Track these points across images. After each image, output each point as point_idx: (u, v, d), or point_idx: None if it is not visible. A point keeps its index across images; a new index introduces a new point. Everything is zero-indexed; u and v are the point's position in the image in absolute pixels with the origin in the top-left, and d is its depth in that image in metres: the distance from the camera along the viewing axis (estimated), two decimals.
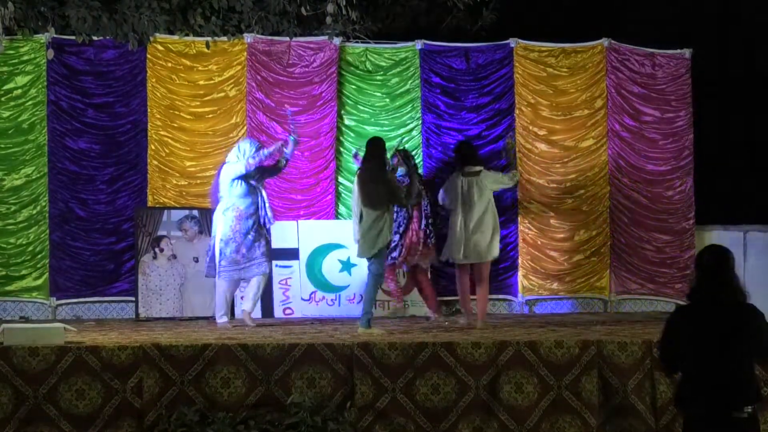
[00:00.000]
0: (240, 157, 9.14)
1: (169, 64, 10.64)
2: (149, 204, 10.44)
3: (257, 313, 9.87)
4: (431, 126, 11.06)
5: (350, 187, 10.50)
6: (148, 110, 10.55)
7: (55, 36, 10.26)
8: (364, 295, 8.77)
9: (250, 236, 9.04)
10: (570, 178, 11.22)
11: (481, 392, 7.19)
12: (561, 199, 11.21)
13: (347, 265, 10.34)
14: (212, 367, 7.04)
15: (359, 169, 9.04)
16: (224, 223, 9.06)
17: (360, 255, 8.85)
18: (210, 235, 9.47)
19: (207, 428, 6.88)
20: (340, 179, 10.80)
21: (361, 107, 11.07)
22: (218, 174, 9.34)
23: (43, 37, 10.27)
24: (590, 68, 11.31)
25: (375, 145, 8.92)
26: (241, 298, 9.50)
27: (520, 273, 11.05)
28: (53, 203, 10.31)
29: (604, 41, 11.30)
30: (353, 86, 11.06)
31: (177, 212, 10.30)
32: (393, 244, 9.40)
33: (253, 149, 9.19)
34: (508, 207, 11.02)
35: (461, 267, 9.38)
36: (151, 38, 10.43)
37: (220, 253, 9.01)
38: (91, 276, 10.37)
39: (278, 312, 10.21)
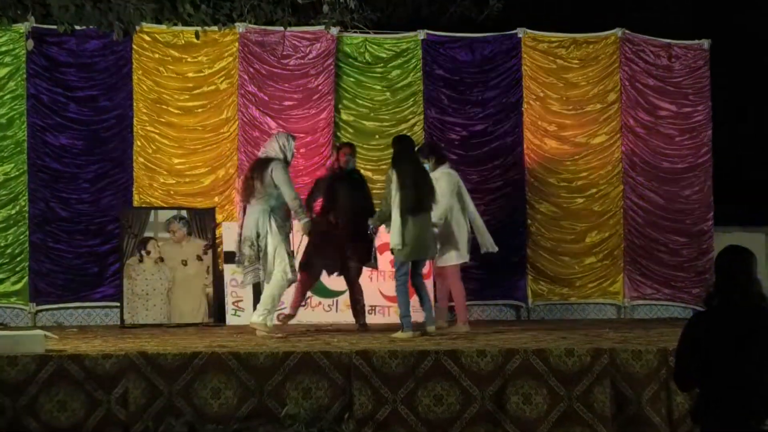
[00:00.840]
0: (287, 153, 8.76)
1: (157, 55, 10.64)
2: (135, 204, 10.44)
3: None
4: (434, 121, 11.06)
5: None
6: (134, 104, 10.56)
7: (35, 25, 10.26)
8: (427, 299, 8.88)
9: (290, 237, 8.85)
10: (581, 177, 11.24)
11: (486, 403, 7.18)
12: (571, 199, 11.22)
13: None
14: (202, 377, 7.02)
15: (397, 169, 8.58)
16: (275, 222, 8.65)
17: (427, 257, 8.83)
18: (198, 237, 9.40)
19: None
20: None
21: (360, 101, 11.07)
22: (263, 168, 8.61)
23: (22, 27, 10.27)
24: (603, 60, 11.32)
25: (406, 144, 8.77)
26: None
27: (528, 277, 11.07)
28: (33, 203, 10.30)
29: (618, 31, 11.30)
30: (352, 79, 11.06)
31: (164, 212, 10.28)
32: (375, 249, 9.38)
33: (293, 143, 8.91)
34: (515, 207, 11.03)
35: (457, 268, 9.26)
36: (138, 28, 10.39)
37: (288, 254, 8.70)
38: (74, 280, 10.37)
39: None
